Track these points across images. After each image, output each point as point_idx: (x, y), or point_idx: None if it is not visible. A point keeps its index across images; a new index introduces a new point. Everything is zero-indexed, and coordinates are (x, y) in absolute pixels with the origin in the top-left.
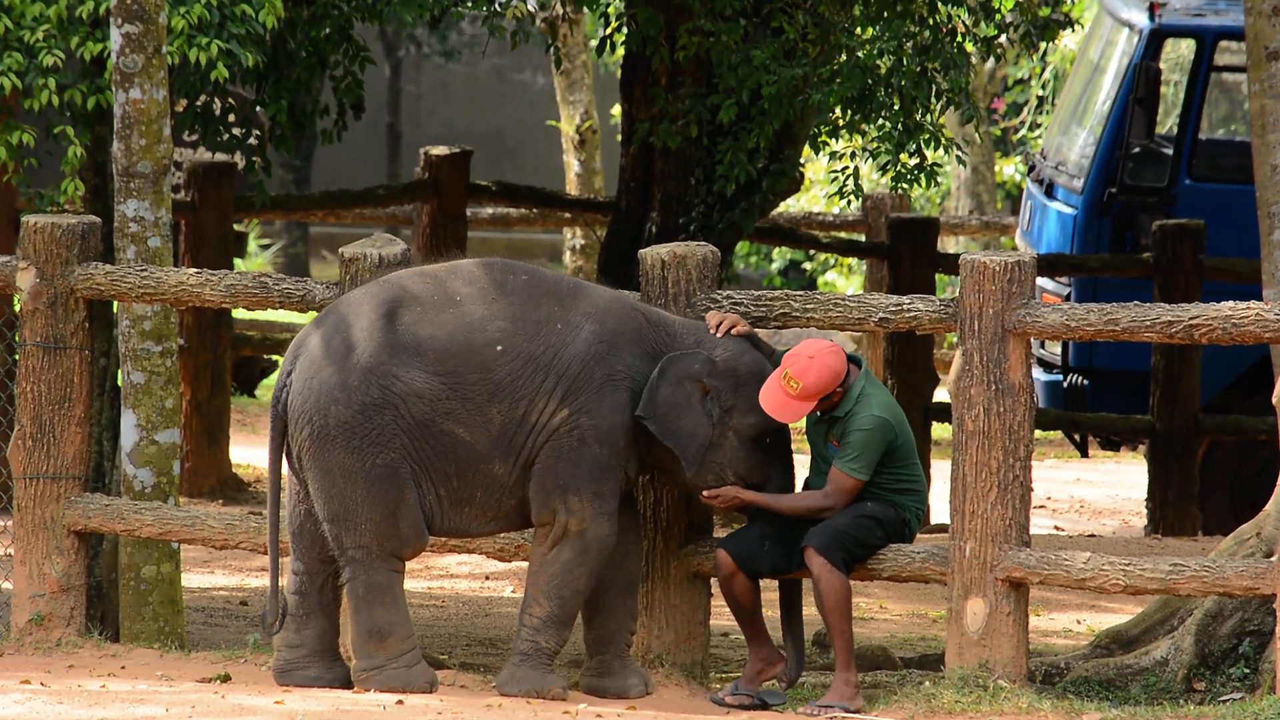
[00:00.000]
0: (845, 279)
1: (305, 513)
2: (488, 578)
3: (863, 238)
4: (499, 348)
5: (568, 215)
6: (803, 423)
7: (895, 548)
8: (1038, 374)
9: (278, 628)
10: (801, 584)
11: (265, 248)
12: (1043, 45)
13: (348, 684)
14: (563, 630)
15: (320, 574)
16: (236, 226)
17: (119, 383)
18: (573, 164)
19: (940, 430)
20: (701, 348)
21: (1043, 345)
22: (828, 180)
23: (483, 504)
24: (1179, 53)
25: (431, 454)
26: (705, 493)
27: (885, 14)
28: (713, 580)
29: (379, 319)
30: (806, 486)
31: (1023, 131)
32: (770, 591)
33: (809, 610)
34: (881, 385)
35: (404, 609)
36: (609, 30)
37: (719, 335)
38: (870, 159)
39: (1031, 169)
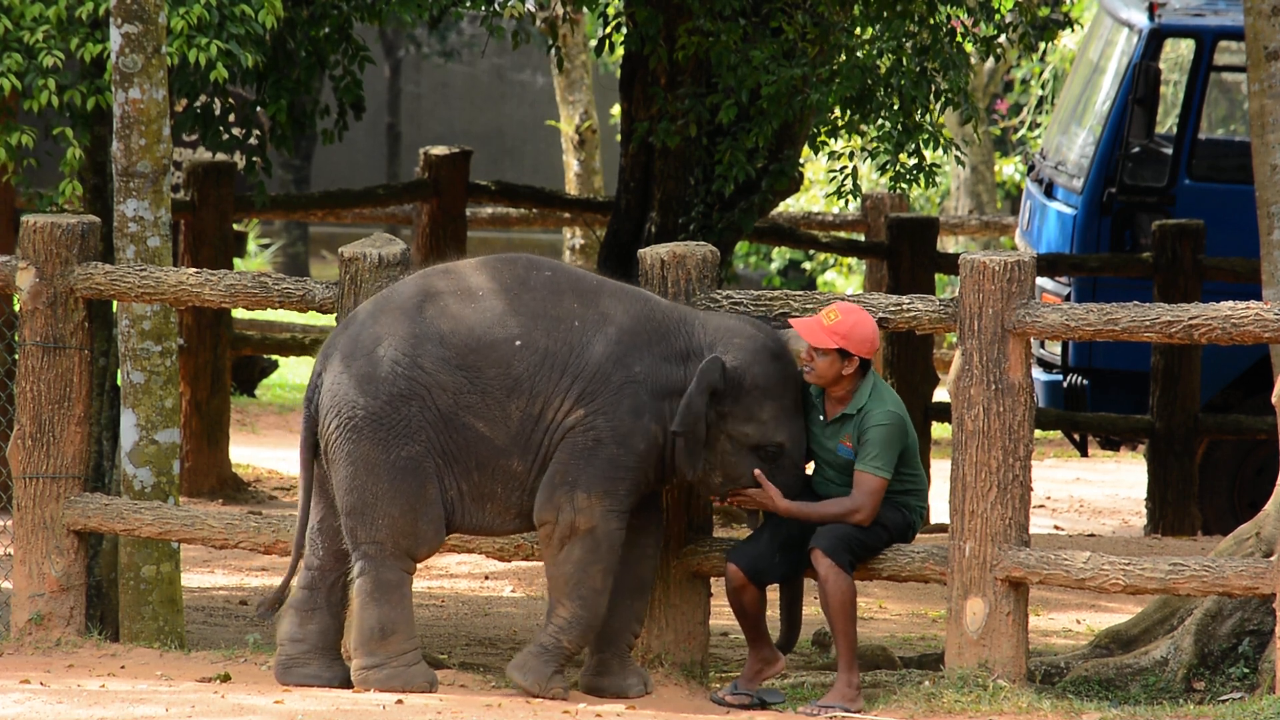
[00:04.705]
0: (845, 279)
1: (327, 509)
2: (488, 578)
3: (862, 237)
4: (518, 342)
5: (567, 215)
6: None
7: (895, 547)
8: (1037, 374)
9: (266, 614)
10: (804, 582)
11: (265, 247)
12: (1042, 45)
13: (347, 683)
14: (587, 632)
15: (333, 571)
16: (236, 226)
17: (119, 382)
18: (572, 164)
19: (940, 430)
20: (715, 348)
21: (1042, 345)
22: (827, 180)
23: (504, 500)
24: (1179, 53)
25: (455, 448)
26: (733, 493)
27: (885, 14)
28: (712, 580)
29: (404, 314)
30: (813, 494)
31: (1022, 131)
32: (771, 590)
33: (811, 610)
34: (889, 386)
35: (409, 609)
36: (608, 30)
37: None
38: (869, 159)
39: (1031, 169)
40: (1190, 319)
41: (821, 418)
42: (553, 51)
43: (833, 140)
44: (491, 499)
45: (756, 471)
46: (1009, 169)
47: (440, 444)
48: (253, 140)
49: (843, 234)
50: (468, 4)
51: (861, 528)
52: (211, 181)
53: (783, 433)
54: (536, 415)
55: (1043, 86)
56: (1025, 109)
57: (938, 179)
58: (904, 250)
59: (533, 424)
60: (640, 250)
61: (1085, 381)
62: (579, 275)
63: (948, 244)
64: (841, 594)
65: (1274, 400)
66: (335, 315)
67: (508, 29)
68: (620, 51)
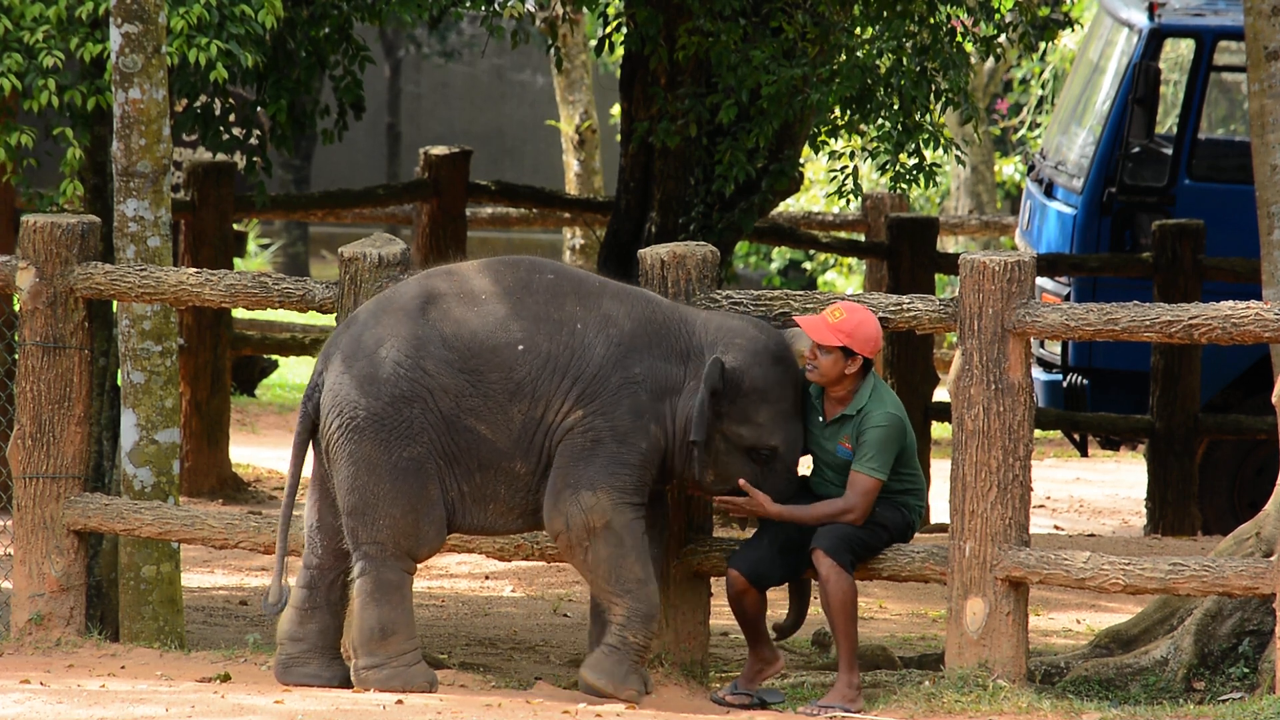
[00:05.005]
0: (845, 279)
1: (327, 508)
2: (488, 578)
3: (862, 237)
4: (520, 347)
5: (567, 215)
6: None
7: (895, 547)
8: (1037, 374)
9: (280, 607)
10: (810, 582)
11: (265, 248)
12: (1042, 45)
13: (346, 682)
14: (649, 623)
15: (332, 570)
16: (236, 226)
17: (119, 382)
18: (572, 164)
19: (940, 430)
20: (716, 348)
21: (1042, 345)
22: (827, 180)
23: (507, 501)
24: (1179, 53)
25: (456, 450)
26: (720, 498)
27: (885, 14)
28: (712, 579)
29: (407, 315)
30: (811, 495)
31: (1022, 131)
32: (772, 592)
33: (810, 610)
34: (889, 387)
35: (410, 610)
36: (608, 30)
37: None
38: (870, 159)
39: (1031, 169)
40: (1190, 319)
41: (821, 419)
42: (552, 51)
43: (833, 140)
44: (494, 500)
45: (742, 481)
46: (1009, 169)
47: (442, 445)
48: (253, 140)
49: (843, 234)
50: (468, 4)
51: (862, 527)
52: (211, 181)
53: (777, 436)
54: (538, 418)
55: (1043, 86)
56: (1025, 109)
57: (938, 179)
58: (904, 250)
59: (534, 427)
60: (640, 250)
61: (1085, 381)
62: (582, 277)
63: (948, 244)
64: (843, 594)
65: (1274, 400)
66: (335, 315)
67: (508, 29)
68: (620, 51)
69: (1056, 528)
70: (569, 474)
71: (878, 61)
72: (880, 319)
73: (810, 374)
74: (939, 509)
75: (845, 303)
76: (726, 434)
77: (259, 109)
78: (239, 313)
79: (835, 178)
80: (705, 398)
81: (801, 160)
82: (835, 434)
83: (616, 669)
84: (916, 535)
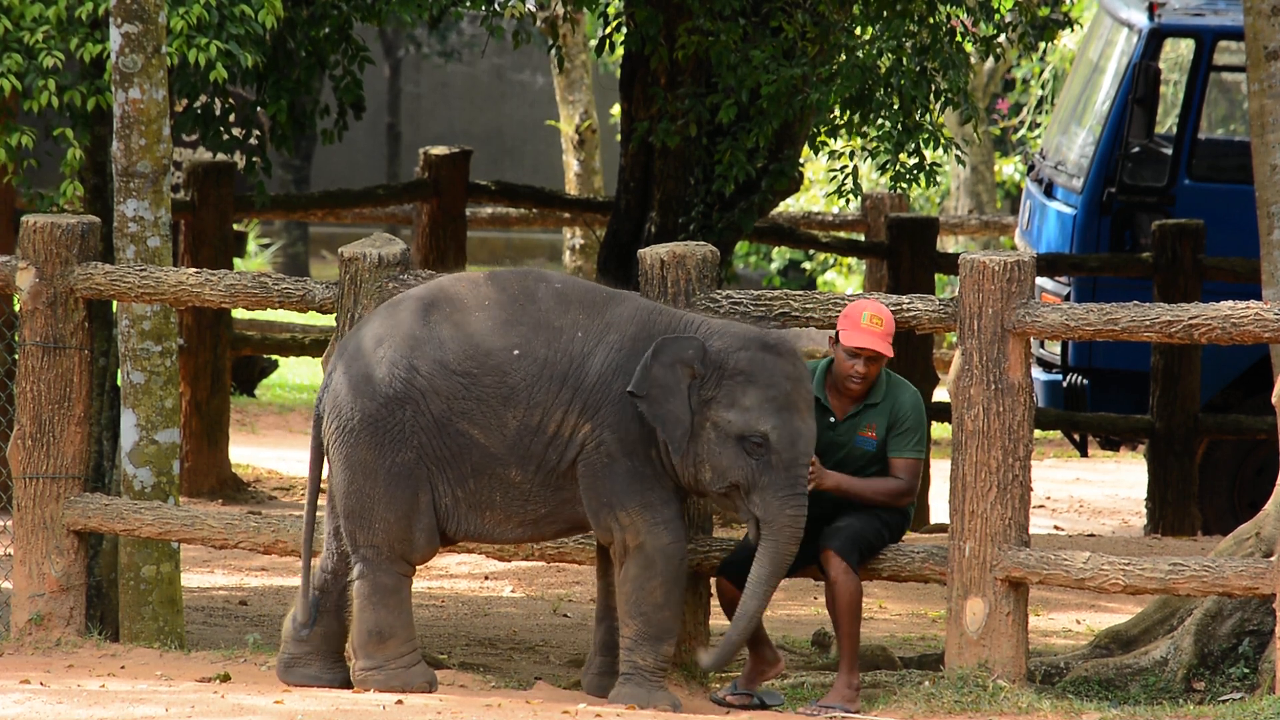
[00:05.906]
0: (845, 279)
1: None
2: (487, 578)
3: (862, 237)
4: (515, 352)
5: (567, 215)
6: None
7: (894, 547)
8: (1037, 374)
9: (309, 628)
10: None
11: (265, 248)
12: (1042, 45)
13: (347, 685)
14: (658, 645)
15: (344, 576)
16: (236, 226)
17: (119, 382)
18: (572, 164)
19: (940, 430)
20: (709, 341)
21: (1042, 345)
22: (827, 180)
23: (504, 509)
24: (1179, 53)
25: (448, 454)
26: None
27: (884, 14)
28: (713, 580)
29: (409, 318)
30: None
31: (1022, 131)
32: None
33: (810, 610)
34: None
35: (408, 612)
36: (608, 30)
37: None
38: (870, 159)
39: (1031, 169)
40: (1190, 319)
41: (832, 419)
42: (553, 51)
43: (833, 140)
44: (490, 507)
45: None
46: (1009, 169)
47: (433, 449)
48: (253, 140)
49: (843, 234)
50: (468, 4)
51: (868, 527)
52: (211, 181)
53: (766, 423)
54: (535, 426)
55: (1043, 86)
56: (1025, 109)
57: (938, 179)
58: (904, 250)
59: (531, 435)
60: (640, 250)
61: (1085, 381)
62: (589, 288)
63: (948, 244)
64: (851, 595)
65: (1274, 400)
66: (335, 315)
67: (508, 29)
68: (620, 51)
69: (1056, 528)
70: (599, 492)
71: (878, 61)
72: None
73: (857, 386)
74: (939, 509)
75: (865, 303)
76: (715, 421)
77: (259, 109)
78: (239, 313)
79: (835, 178)
80: (650, 356)
81: (801, 160)
82: (854, 427)
83: (637, 692)
84: (916, 536)
